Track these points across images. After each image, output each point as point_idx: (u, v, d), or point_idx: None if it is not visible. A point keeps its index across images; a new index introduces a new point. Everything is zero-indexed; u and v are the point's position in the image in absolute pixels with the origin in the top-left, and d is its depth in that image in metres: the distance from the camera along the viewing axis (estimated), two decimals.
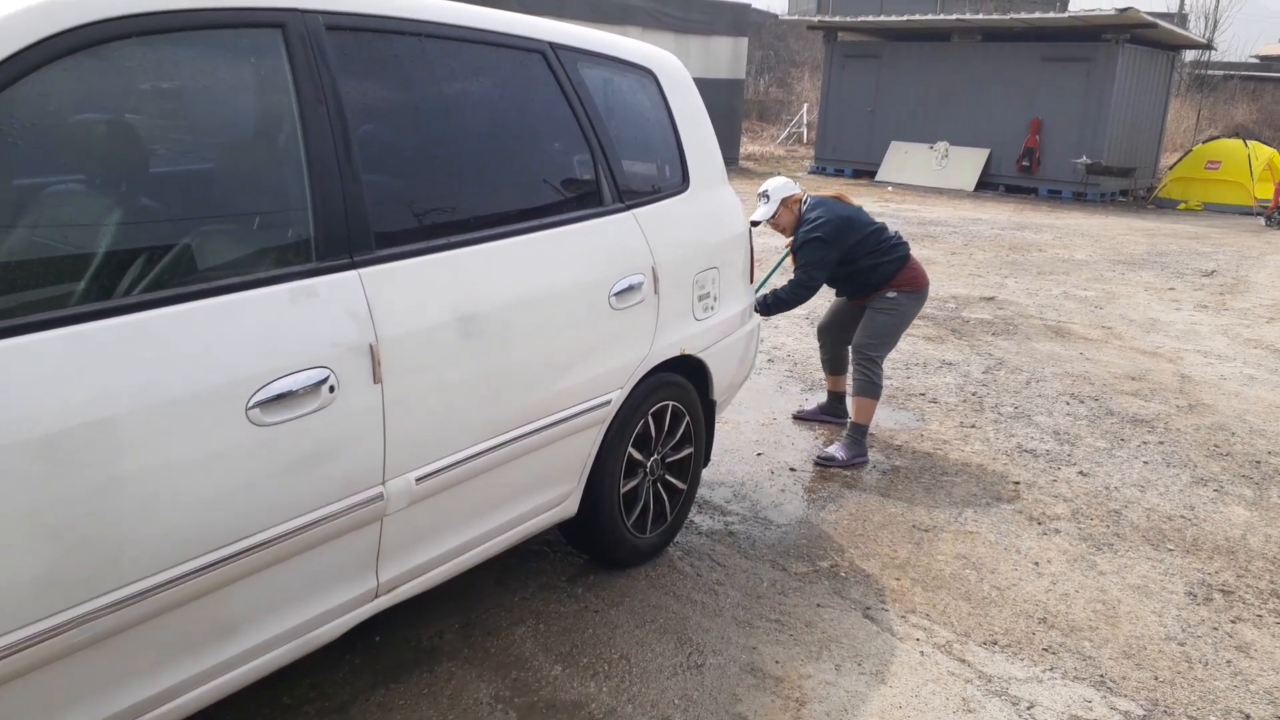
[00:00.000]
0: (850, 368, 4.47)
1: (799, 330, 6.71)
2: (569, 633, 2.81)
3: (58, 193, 1.74)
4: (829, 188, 4.97)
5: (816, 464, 4.29)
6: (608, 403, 2.85)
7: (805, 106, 26.18)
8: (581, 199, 2.83)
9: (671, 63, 3.33)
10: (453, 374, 2.31)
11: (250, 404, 1.87)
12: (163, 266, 1.82)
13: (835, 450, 4.35)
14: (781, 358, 6.03)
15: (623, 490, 3.06)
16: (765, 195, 4.44)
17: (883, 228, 4.39)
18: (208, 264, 1.90)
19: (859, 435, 4.35)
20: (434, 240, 2.32)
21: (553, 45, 2.80)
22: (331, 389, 2.01)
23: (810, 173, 19.19)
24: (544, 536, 3.33)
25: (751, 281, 3.62)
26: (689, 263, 3.16)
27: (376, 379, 2.11)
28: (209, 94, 2.00)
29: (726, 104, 18.59)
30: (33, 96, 1.68)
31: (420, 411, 2.23)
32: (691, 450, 3.36)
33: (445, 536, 2.44)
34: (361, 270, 2.12)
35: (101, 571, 1.69)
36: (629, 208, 2.95)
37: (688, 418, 3.30)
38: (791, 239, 4.40)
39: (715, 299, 3.31)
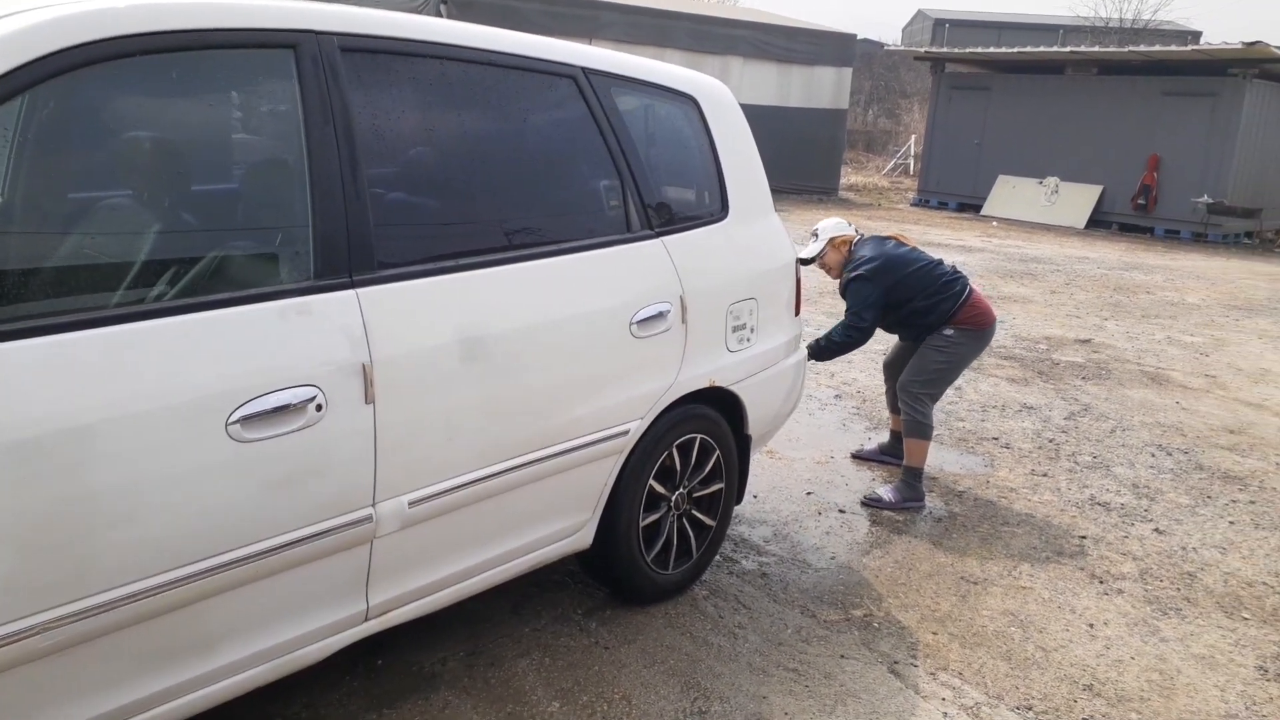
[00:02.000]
0: (900, 407, 4.27)
1: (872, 365, 6.50)
2: (573, 668, 2.74)
3: (52, 202, 1.80)
4: (889, 229, 5.00)
5: (863, 504, 4.12)
6: (625, 433, 2.78)
7: (913, 138, 25.69)
8: (605, 224, 2.79)
9: (716, 89, 3.28)
10: (453, 397, 2.29)
11: (231, 419, 1.88)
12: (147, 279, 1.85)
13: (884, 492, 4.17)
14: (850, 394, 5.85)
15: (643, 524, 2.98)
16: (815, 234, 4.33)
17: (937, 263, 4.20)
18: (196, 278, 1.93)
19: (911, 479, 4.15)
20: (440, 263, 2.31)
21: (585, 70, 2.78)
22: (319, 407, 2.01)
23: (913, 205, 18.77)
24: (566, 566, 3.28)
25: (798, 314, 3.51)
26: (723, 292, 3.08)
27: (369, 399, 2.10)
28: (213, 112, 2.04)
29: (828, 134, 18.39)
30: (36, 109, 1.74)
31: (416, 434, 2.22)
32: (722, 486, 3.26)
33: (443, 561, 2.41)
34: (360, 290, 2.12)
35: (69, 578, 1.71)
36: (658, 234, 2.89)
37: (718, 452, 3.20)
38: (840, 280, 4.29)
39: (752, 330, 3.22)
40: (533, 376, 2.48)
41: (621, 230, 2.82)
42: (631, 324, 2.74)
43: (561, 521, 2.73)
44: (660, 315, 2.83)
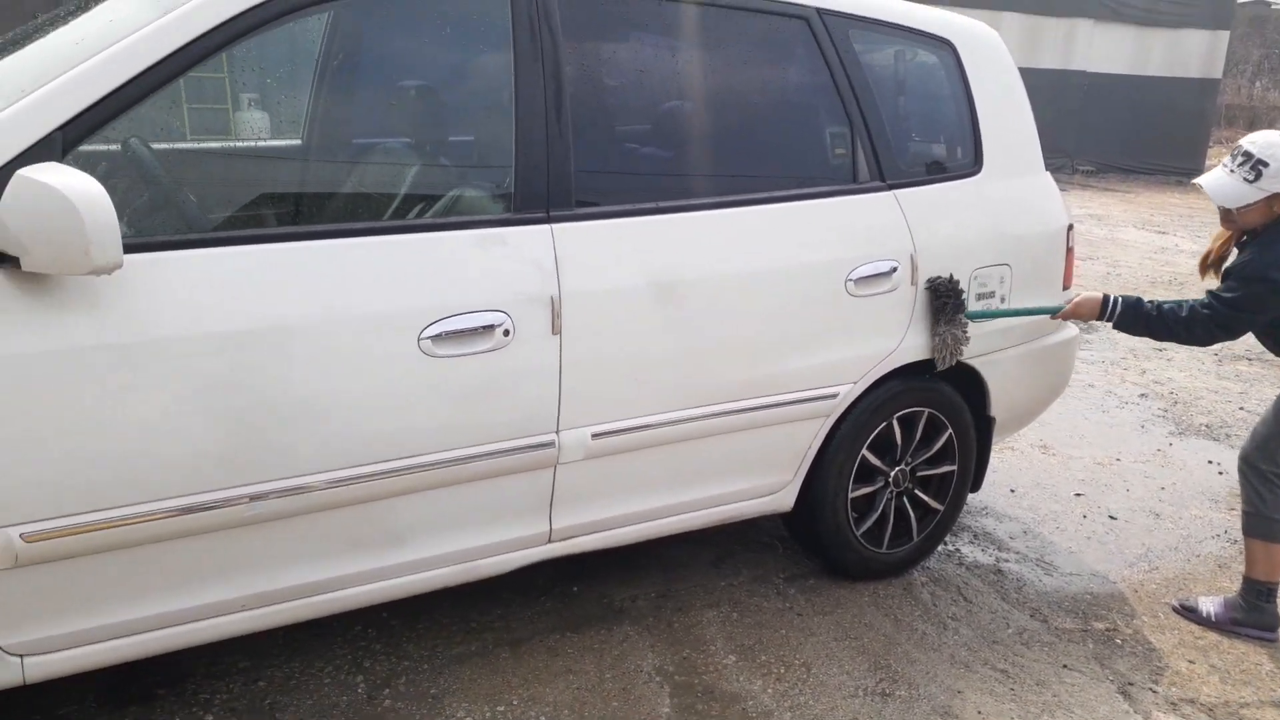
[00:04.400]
0: (1241, 488, 2.87)
1: (1197, 366, 5.67)
2: (759, 628, 2.68)
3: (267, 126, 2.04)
4: None
5: (1175, 611, 2.96)
6: (834, 396, 2.66)
7: None
8: (828, 174, 2.66)
9: (979, 34, 2.99)
10: (643, 338, 2.31)
11: (422, 334, 2.03)
12: (356, 202, 2.05)
13: (1209, 605, 2.91)
14: (1161, 394, 5.15)
15: (853, 495, 2.84)
16: (1246, 158, 2.61)
17: None
18: (404, 204, 2.11)
19: (1257, 597, 2.82)
20: (639, 204, 2.33)
21: (820, 11, 2.65)
22: (506, 333, 2.12)
23: None
24: (777, 530, 3.20)
25: (1067, 287, 3.14)
26: (967, 254, 2.83)
27: (555, 330, 2.18)
28: (431, 47, 2.20)
29: (1194, 107, 16.14)
30: (277, 37, 1.98)
31: (601, 368, 2.27)
32: (954, 469, 3.01)
33: (627, 498, 2.45)
34: (555, 225, 2.20)
35: (272, 460, 1.95)
36: (890, 187, 2.71)
37: (950, 431, 2.96)
38: (1225, 245, 2.83)
39: (1003, 300, 2.92)
40: (730, 326, 2.43)
41: (846, 180, 2.67)
42: (848, 280, 2.60)
43: (758, 479, 2.67)
44: (883, 274, 2.66)
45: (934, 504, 3.01)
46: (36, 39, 2.04)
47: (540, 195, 2.19)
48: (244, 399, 1.89)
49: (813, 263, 2.54)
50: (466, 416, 2.12)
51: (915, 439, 2.91)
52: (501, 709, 2.28)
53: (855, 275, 2.61)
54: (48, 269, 1.65)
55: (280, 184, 2.07)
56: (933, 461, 2.98)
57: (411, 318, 2.03)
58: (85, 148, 1.81)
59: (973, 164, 2.91)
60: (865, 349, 2.68)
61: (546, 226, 2.19)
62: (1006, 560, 3.20)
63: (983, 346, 2.90)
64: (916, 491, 2.97)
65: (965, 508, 3.48)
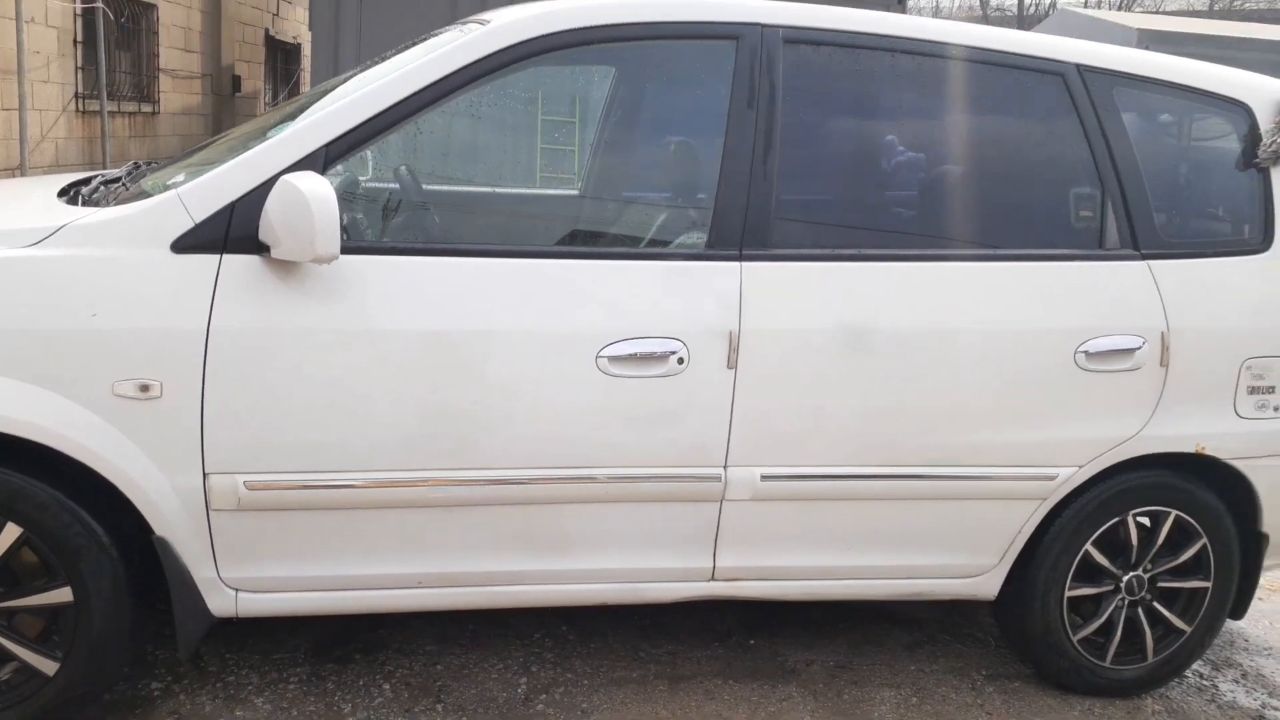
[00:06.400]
0: None
1: None
2: (936, 717, 2.45)
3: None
4: None
5: None
6: (1052, 478, 2.41)
7: None
8: (1067, 237, 2.47)
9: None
10: (825, 384, 2.26)
11: (600, 353, 2.14)
12: (561, 229, 2.22)
13: None
14: None
15: (1070, 593, 2.53)
16: None
17: None
18: (601, 232, 2.25)
19: None
20: (838, 249, 2.30)
21: (1081, 67, 2.48)
22: (681, 360, 2.17)
23: None
24: (994, 629, 2.89)
25: None
26: (1239, 340, 2.48)
27: (730, 364, 2.20)
28: (654, 93, 2.34)
29: None
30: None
31: (777, 409, 2.25)
32: (1207, 586, 2.59)
33: (799, 550, 2.37)
34: (745, 264, 2.23)
35: (455, 450, 2.13)
36: (1144, 257, 2.44)
37: (1204, 541, 2.56)
38: None
39: None
40: (928, 385, 2.31)
41: (1090, 246, 2.45)
42: (1078, 352, 2.36)
43: (956, 557, 2.47)
44: (1124, 350, 2.39)
45: (1178, 623, 2.61)
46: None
47: (734, 234, 2.24)
48: (441, 393, 2.10)
49: (1038, 329, 2.35)
50: (636, 437, 2.19)
51: (1157, 543, 2.55)
52: None
53: (1088, 348, 2.37)
54: (289, 256, 1.96)
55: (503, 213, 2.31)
56: (1180, 573, 2.59)
57: (594, 337, 2.15)
58: (339, 166, 2.15)
59: (1261, 241, 2.55)
60: (1094, 431, 2.41)
61: (736, 264, 2.23)
62: (1274, 710, 2.68)
63: (1255, 448, 2.50)
64: (1156, 605, 2.59)
65: (1241, 642, 2.98)
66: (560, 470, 2.18)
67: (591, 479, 2.20)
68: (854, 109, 2.42)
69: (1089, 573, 2.55)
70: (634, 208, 2.35)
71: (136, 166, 2.67)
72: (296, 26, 14.08)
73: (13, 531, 1.94)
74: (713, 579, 2.37)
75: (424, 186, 2.54)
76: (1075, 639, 2.56)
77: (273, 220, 1.95)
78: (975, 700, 2.56)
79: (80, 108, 8.76)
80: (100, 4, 8.39)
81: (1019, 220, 2.47)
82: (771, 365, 2.22)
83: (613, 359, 2.15)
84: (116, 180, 2.48)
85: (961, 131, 2.47)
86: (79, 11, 8.51)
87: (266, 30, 13.41)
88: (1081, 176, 2.47)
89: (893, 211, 2.44)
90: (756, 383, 2.22)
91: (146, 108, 10.15)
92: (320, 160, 2.08)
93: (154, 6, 10.09)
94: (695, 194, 2.31)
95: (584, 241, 2.27)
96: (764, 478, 2.27)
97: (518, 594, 2.30)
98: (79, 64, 8.68)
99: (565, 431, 2.16)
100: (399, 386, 2.08)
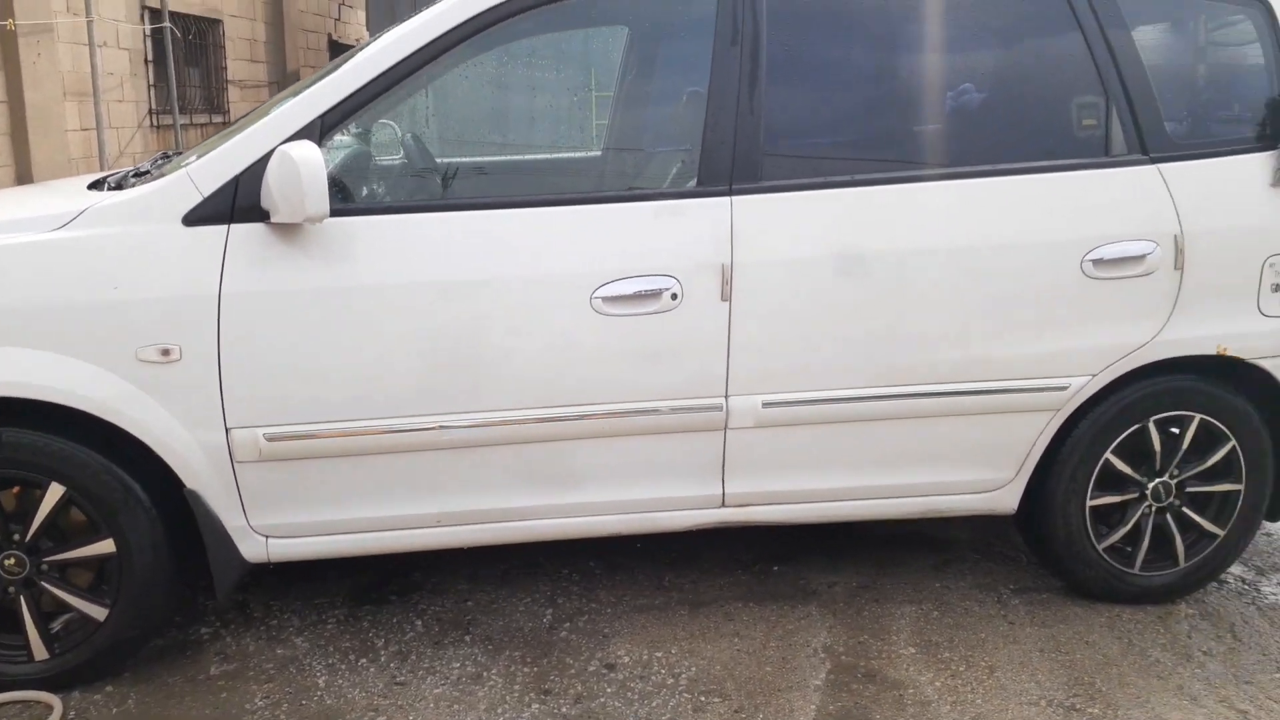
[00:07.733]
0: None
1: None
2: (956, 628, 2.47)
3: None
4: None
5: None
6: (1063, 388, 2.38)
7: None
8: (1068, 146, 2.40)
9: None
10: (824, 310, 2.27)
11: (594, 294, 2.19)
12: (546, 179, 2.26)
13: None
14: None
15: (1092, 503, 2.51)
16: None
17: None
18: (597, 176, 2.28)
19: None
20: (828, 177, 2.29)
21: None
22: (674, 296, 2.21)
23: None
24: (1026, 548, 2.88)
25: None
26: (1257, 236, 2.40)
27: (724, 297, 2.22)
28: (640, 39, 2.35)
29: None
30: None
31: (773, 338, 2.27)
32: (1239, 488, 2.54)
33: (807, 473, 2.40)
34: (735, 198, 2.24)
35: (460, 395, 2.21)
36: (1153, 160, 2.37)
37: (1233, 443, 2.50)
38: None
39: None
40: (927, 303, 2.30)
41: (1095, 153, 2.39)
42: (1085, 260, 2.32)
43: (969, 472, 2.47)
44: (1133, 257, 2.33)
45: (1210, 527, 2.56)
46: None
47: (723, 170, 2.25)
48: (442, 342, 2.18)
49: (1043, 239, 2.32)
50: (634, 373, 2.24)
51: (1182, 448, 2.51)
52: (659, 654, 2.37)
53: (1095, 256, 2.32)
54: (286, 219, 2.05)
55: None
56: (1209, 477, 2.54)
57: (587, 279, 2.19)
58: (340, 135, 2.23)
59: (1274, 136, 2.44)
60: (1105, 339, 2.37)
61: (726, 199, 2.24)
62: None
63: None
64: (1186, 511, 2.55)
65: None
66: (561, 409, 2.25)
67: (593, 415, 2.26)
68: (841, 31, 2.38)
69: (1112, 481, 2.52)
70: (625, 153, 2.38)
71: (165, 156, 2.80)
72: (358, 29, 14.25)
73: (56, 491, 2.10)
74: (723, 505, 2.42)
75: (417, 146, 2.61)
76: (1101, 547, 2.54)
77: (271, 188, 2.04)
78: (999, 611, 2.57)
79: (154, 123, 9.14)
80: (168, 24, 8.68)
81: (1018, 133, 2.41)
82: (767, 295, 2.24)
83: (606, 299, 2.19)
84: (145, 172, 2.61)
85: (956, 45, 2.41)
86: (148, 33, 8.83)
87: (329, 35, 13.61)
88: (1084, 84, 2.39)
89: (887, 134, 2.40)
90: (752, 313, 2.24)
91: (217, 118, 10.47)
92: (316, 130, 2.16)
93: (219, 21, 10.39)
94: (683, 134, 2.32)
95: (574, 189, 2.31)
96: (766, 405, 2.30)
97: (534, 528, 2.38)
98: (151, 81, 9.06)
99: (564, 371, 2.23)
100: (401, 338, 2.17)
